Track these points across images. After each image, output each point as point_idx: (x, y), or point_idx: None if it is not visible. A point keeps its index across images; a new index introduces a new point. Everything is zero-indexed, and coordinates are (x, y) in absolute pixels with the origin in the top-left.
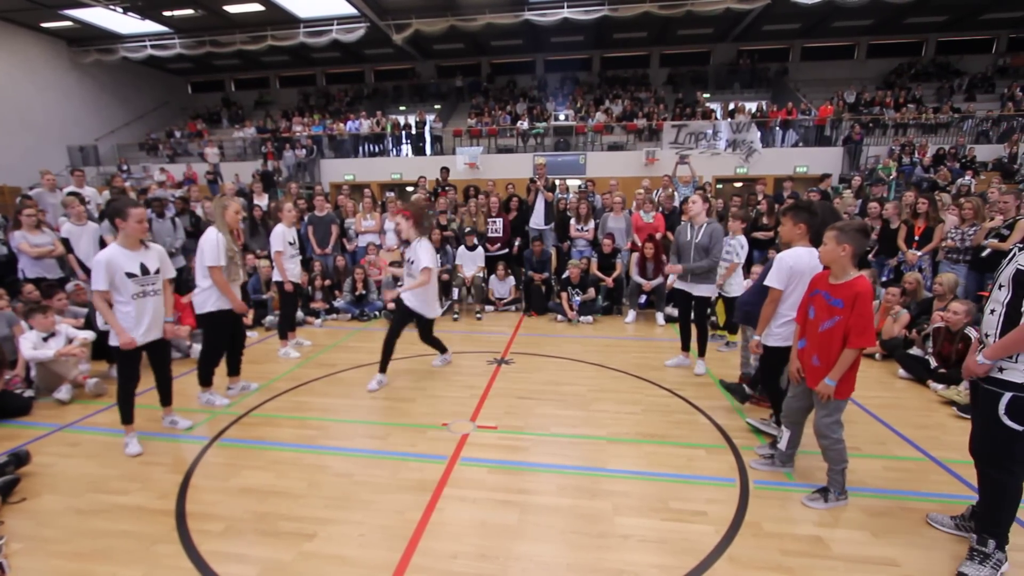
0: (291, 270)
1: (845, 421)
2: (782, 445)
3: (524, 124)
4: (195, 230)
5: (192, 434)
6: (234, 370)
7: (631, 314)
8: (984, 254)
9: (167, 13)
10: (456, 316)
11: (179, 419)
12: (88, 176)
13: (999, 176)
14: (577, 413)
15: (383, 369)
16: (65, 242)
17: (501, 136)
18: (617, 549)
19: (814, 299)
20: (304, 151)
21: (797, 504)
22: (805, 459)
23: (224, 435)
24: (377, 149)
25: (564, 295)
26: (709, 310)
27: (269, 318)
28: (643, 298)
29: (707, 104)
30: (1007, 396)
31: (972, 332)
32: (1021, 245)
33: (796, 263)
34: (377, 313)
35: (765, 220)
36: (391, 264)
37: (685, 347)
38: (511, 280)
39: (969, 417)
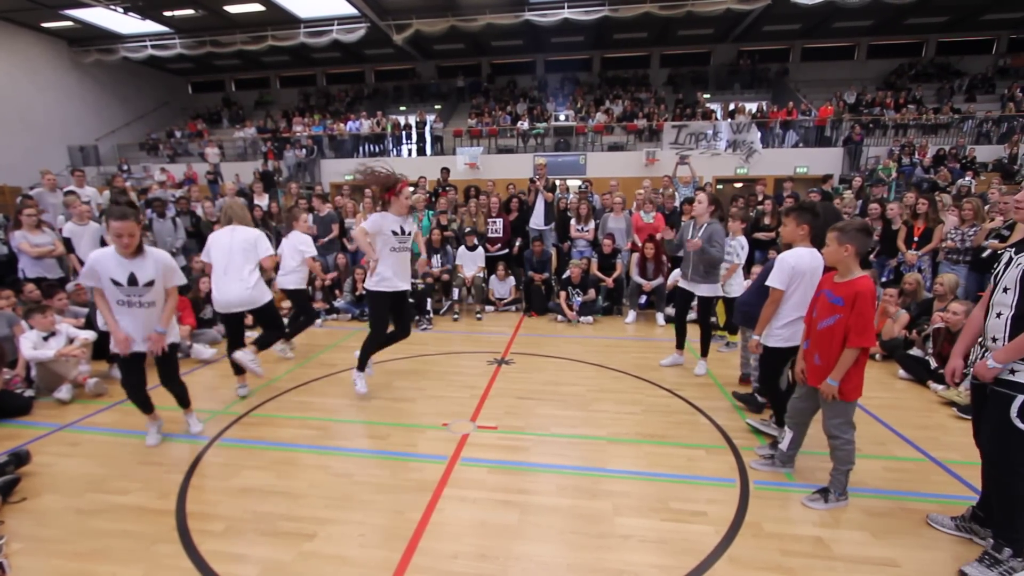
0: (299, 277)
1: None
2: (784, 446)
3: (524, 124)
4: (196, 230)
5: (192, 434)
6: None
7: (631, 314)
8: (984, 255)
9: (167, 13)
10: (456, 316)
11: (193, 421)
12: (88, 176)
13: (999, 177)
14: (577, 413)
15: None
16: (67, 242)
17: (501, 136)
18: (617, 549)
19: (818, 299)
20: (304, 151)
21: (797, 505)
22: (805, 460)
23: (224, 435)
24: (377, 149)
25: (563, 295)
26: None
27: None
28: (643, 298)
29: (707, 104)
30: (1020, 399)
31: None
32: (1016, 248)
33: (798, 263)
34: None
35: (767, 220)
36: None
37: (679, 345)
38: (511, 280)
39: (969, 418)
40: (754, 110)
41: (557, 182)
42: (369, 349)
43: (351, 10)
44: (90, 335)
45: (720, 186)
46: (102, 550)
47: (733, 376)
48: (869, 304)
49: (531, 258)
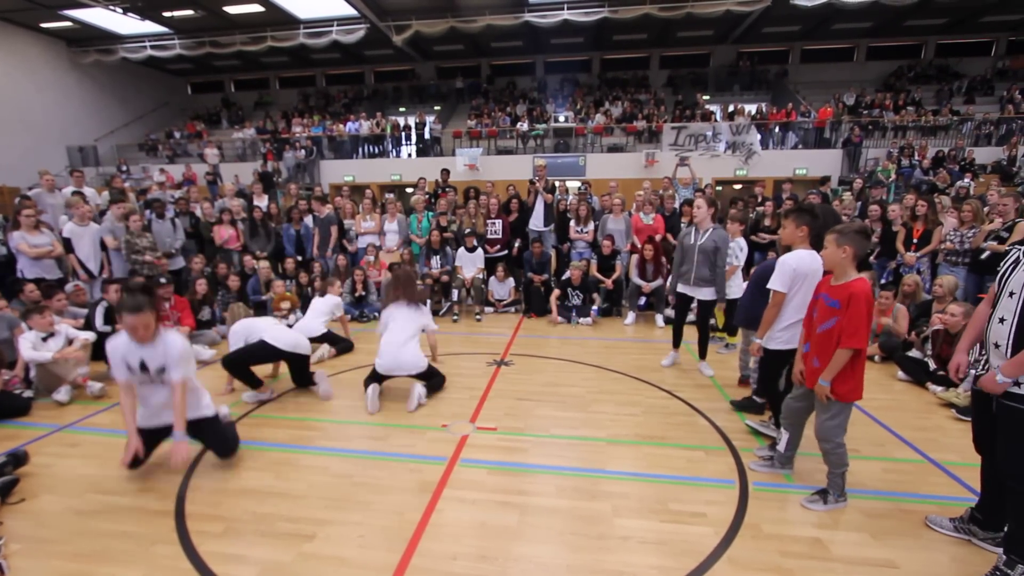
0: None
1: None
2: (781, 447)
3: (524, 126)
4: (195, 231)
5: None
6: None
7: (630, 316)
8: (983, 256)
9: (167, 14)
10: (456, 318)
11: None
12: (87, 176)
13: (998, 178)
14: (577, 415)
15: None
16: (66, 242)
17: (501, 137)
18: (617, 550)
19: (817, 303)
20: (304, 152)
21: (796, 506)
22: (804, 461)
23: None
24: (377, 150)
25: (555, 294)
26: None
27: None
28: (642, 300)
29: (707, 106)
30: None
31: None
32: (1022, 248)
33: (799, 266)
34: (376, 314)
35: (768, 222)
36: (390, 266)
37: (676, 344)
38: (511, 282)
39: (969, 419)
40: (753, 112)
41: (557, 183)
42: None
43: (351, 11)
44: (89, 336)
45: (719, 187)
46: (101, 551)
47: (732, 377)
48: (863, 306)
49: (530, 259)
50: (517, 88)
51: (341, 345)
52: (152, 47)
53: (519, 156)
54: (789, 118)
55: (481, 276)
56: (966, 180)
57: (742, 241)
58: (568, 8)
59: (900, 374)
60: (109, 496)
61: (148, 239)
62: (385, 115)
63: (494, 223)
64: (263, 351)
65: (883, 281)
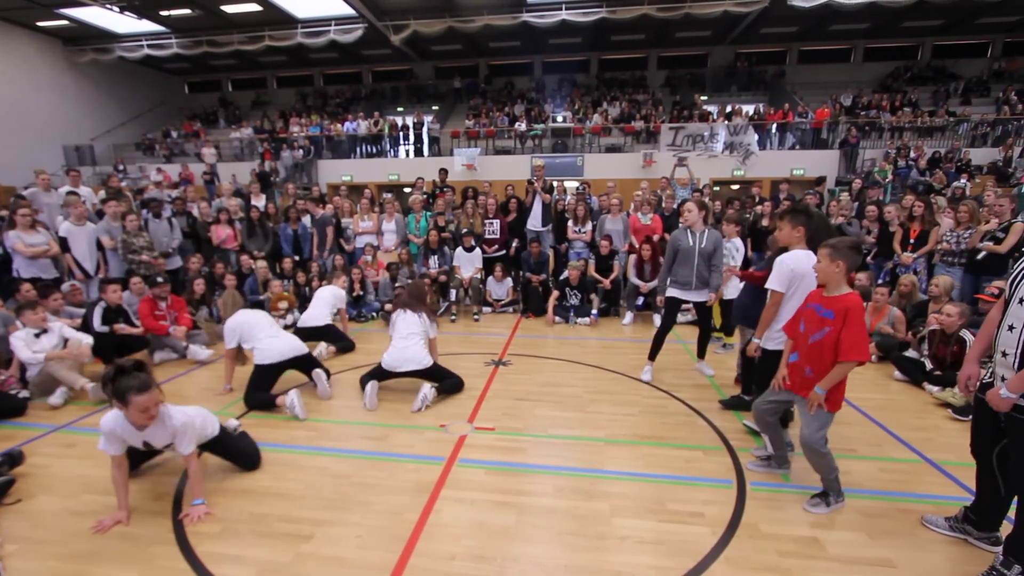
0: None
1: (842, 423)
2: (770, 449)
3: (522, 126)
4: (192, 231)
5: None
6: None
7: (628, 316)
8: (979, 257)
9: (164, 13)
10: (454, 318)
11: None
12: (84, 176)
13: (994, 179)
14: (575, 415)
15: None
16: (63, 241)
17: (499, 137)
18: (615, 550)
19: (805, 312)
20: (301, 152)
21: (794, 505)
22: (801, 460)
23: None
24: (375, 150)
25: (552, 297)
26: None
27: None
28: (640, 300)
29: (704, 106)
30: None
31: (967, 334)
32: None
33: (797, 265)
34: (374, 314)
35: (766, 223)
36: (388, 265)
37: (653, 356)
38: (509, 282)
39: (965, 419)
40: (751, 112)
41: (555, 183)
42: None
43: (348, 10)
44: (85, 340)
45: (717, 188)
46: (98, 552)
47: (729, 377)
48: (861, 319)
49: (528, 259)
50: (515, 88)
51: (342, 344)
52: (149, 46)
53: (517, 156)
54: (786, 119)
55: (479, 276)
56: (962, 181)
57: (738, 241)
58: (566, 8)
59: (897, 374)
60: (106, 496)
61: (145, 239)
62: (383, 115)
63: (492, 223)
64: (272, 371)
65: (880, 281)
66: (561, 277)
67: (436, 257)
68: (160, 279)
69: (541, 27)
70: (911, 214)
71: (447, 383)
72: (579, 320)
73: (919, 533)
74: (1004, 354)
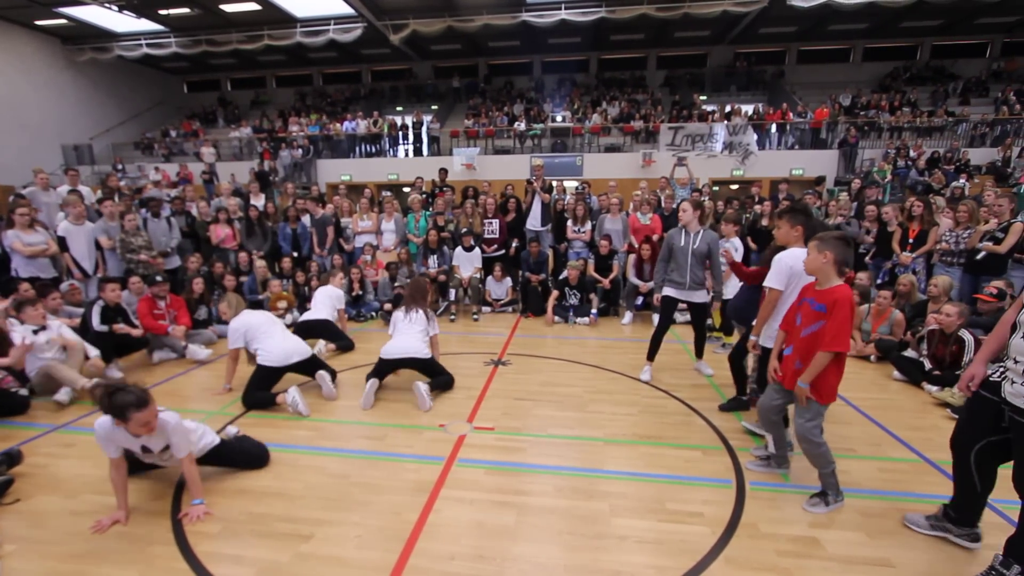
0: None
1: (840, 423)
2: (771, 448)
3: (521, 125)
4: (191, 230)
5: None
6: None
7: (628, 316)
8: (978, 257)
9: (163, 12)
10: (453, 317)
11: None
12: (83, 175)
13: (993, 179)
14: (574, 414)
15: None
16: (61, 240)
17: (498, 137)
18: (614, 550)
19: (802, 307)
20: (300, 151)
21: (793, 505)
22: (801, 460)
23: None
24: (374, 149)
25: (551, 297)
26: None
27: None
28: (640, 300)
29: (704, 106)
30: None
31: (966, 334)
32: None
33: (795, 264)
34: (374, 314)
35: (765, 222)
36: (387, 265)
37: (652, 356)
38: (508, 281)
39: None
40: (750, 112)
41: (554, 183)
42: None
43: (348, 10)
44: (93, 352)
45: (716, 187)
46: (97, 552)
47: (729, 377)
48: (848, 311)
49: (528, 259)
50: (514, 88)
51: (341, 343)
52: (148, 45)
53: (516, 156)
54: (785, 119)
55: (478, 276)
56: (961, 181)
57: (736, 241)
58: (566, 8)
59: (896, 374)
60: (105, 496)
61: (143, 238)
62: (382, 114)
63: (491, 223)
64: (276, 373)
65: (879, 281)
66: (560, 277)
67: (435, 257)
68: (159, 278)
69: (540, 27)
70: (910, 214)
71: (439, 380)
72: (578, 320)
73: (918, 533)
74: (1016, 361)
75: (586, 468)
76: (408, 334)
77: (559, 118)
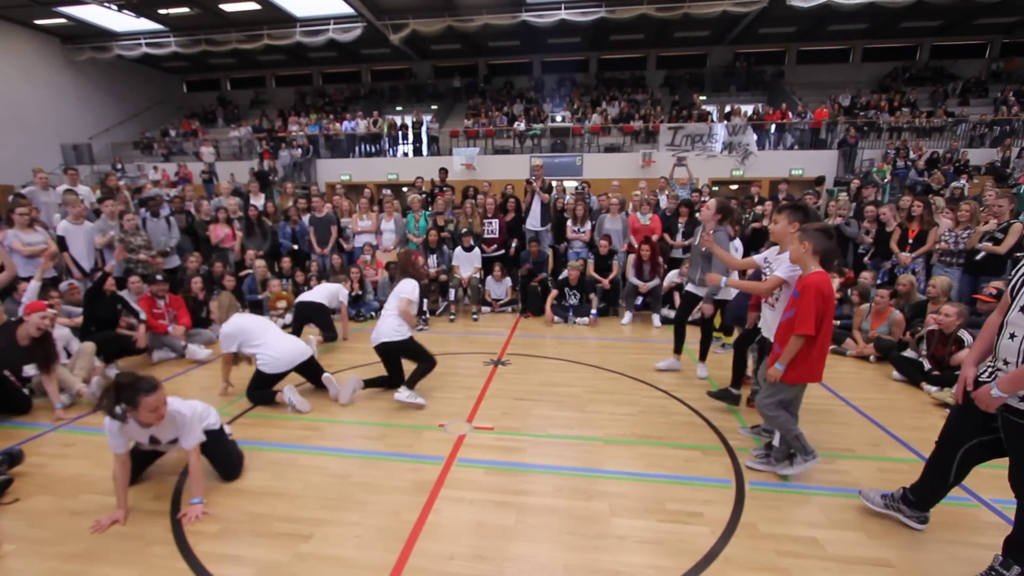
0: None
1: (841, 423)
2: (776, 443)
3: (521, 125)
4: (190, 229)
5: None
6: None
7: (627, 316)
8: (978, 257)
9: (162, 11)
10: (452, 317)
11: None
12: (82, 175)
13: (992, 180)
14: (574, 414)
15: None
16: (60, 240)
17: (498, 137)
18: (614, 550)
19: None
20: (300, 151)
21: (793, 505)
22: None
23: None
24: (374, 149)
25: (551, 296)
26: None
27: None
28: (639, 300)
29: (703, 106)
30: None
31: (965, 334)
32: None
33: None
34: (373, 314)
35: (766, 222)
36: (387, 265)
37: (678, 350)
38: (507, 281)
39: None
40: (750, 112)
41: (554, 183)
42: None
43: (347, 9)
44: (89, 346)
45: (715, 188)
46: (96, 551)
47: (726, 377)
48: (812, 295)
49: (527, 259)
50: (514, 88)
51: (328, 333)
52: (147, 45)
53: (516, 156)
54: (785, 119)
55: (478, 276)
56: (961, 181)
57: (736, 242)
58: (565, 8)
59: (895, 374)
60: (104, 496)
61: (142, 237)
62: (382, 114)
63: (491, 223)
64: (273, 379)
65: (879, 281)
66: (560, 277)
67: (435, 256)
68: (158, 277)
69: (540, 27)
70: (910, 214)
71: (422, 366)
72: (578, 320)
73: (918, 534)
74: (1005, 362)
75: (586, 468)
76: (384, 316)
77: (559, 118)
